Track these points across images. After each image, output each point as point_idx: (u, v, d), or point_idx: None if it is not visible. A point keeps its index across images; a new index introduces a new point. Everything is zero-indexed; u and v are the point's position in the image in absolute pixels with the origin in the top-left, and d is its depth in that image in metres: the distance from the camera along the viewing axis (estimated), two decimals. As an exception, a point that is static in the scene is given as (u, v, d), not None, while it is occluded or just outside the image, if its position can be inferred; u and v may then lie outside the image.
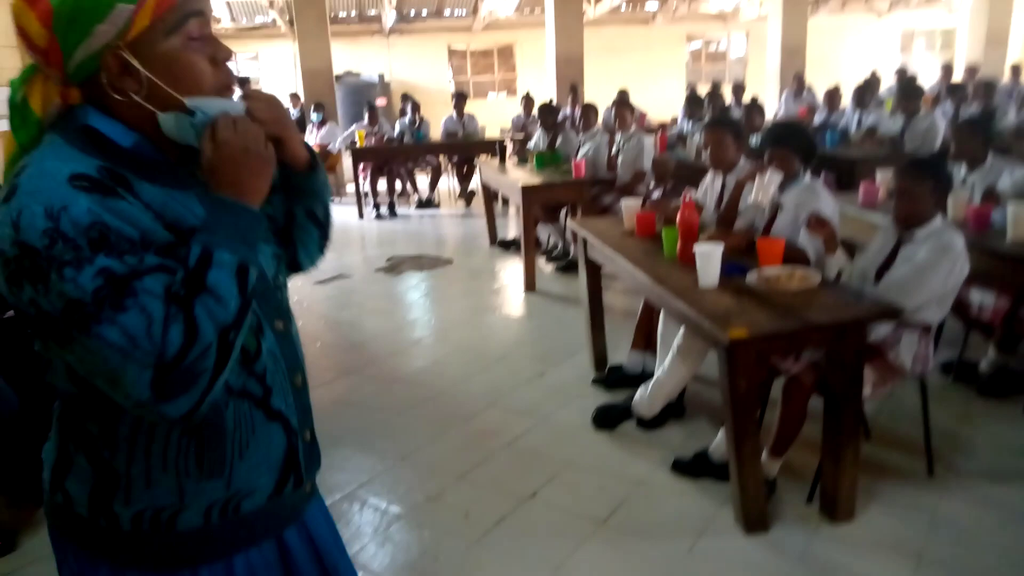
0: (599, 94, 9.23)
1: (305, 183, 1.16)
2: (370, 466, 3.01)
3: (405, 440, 3.21)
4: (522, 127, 9.31)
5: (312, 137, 9.52)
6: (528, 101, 9.63)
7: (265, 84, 14.38)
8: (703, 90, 9.78)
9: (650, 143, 5.73)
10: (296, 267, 1.29)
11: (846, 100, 7.73)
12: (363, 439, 3.25)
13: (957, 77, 9.69)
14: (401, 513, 2.68)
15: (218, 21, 13.19)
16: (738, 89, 9.26)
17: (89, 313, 0.85)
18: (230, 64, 1.03)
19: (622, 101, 6.58)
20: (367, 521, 2.64)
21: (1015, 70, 10.22)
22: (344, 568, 1.24)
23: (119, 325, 0.85)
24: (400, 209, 8.63)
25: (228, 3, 12.44)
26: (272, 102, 1.03)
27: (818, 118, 7.52)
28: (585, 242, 3.59)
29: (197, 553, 1.06)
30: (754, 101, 7.12)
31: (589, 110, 6.27)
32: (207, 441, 1.02)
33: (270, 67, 14.45)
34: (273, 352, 1.08)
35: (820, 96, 8.39)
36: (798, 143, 3.03)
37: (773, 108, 10.11)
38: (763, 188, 2.90)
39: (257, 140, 0.96)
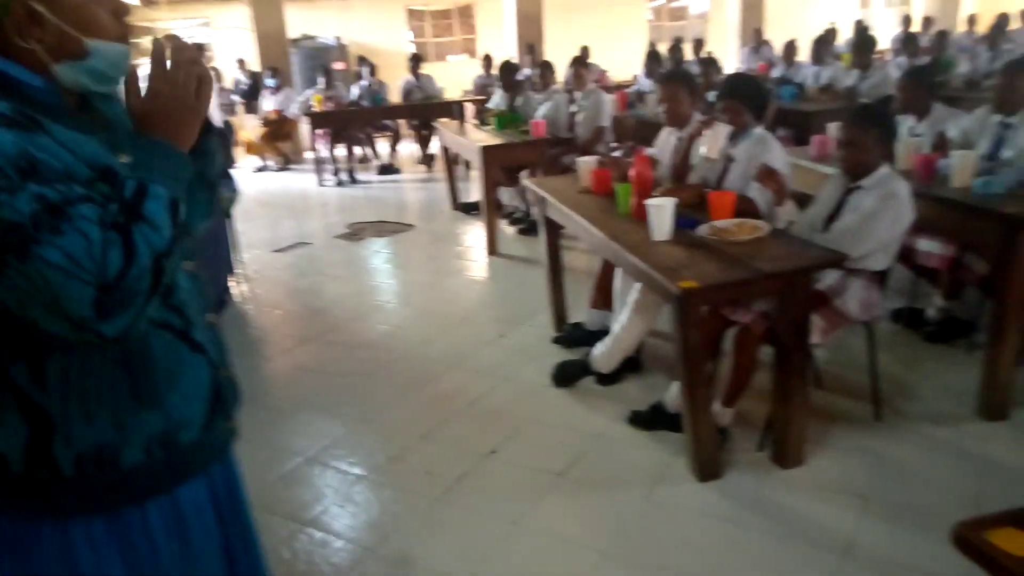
0: (560, 54, 9.14)
1: (197, 146, 1.16)
2: (332, 430, 3.02)
3: (367, 404, 3.22)
4: (483, 88, 9.20)
5: (268, 103, 9.33)
6: (488, 61, 9.52)
7: (219, 49, 14.01)
8: (665, 47, 9.74)
9: (609, 101, 5.71)
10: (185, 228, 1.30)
11: (804, 55, 7.76)
12: (325, 404, 3.25)
13: (916, 29, 9.77)
14: (363, 474, 2.70)
15: (167, -16, 12.78)
16: (699, 45, 9.24)
17: (28, 236, 0.88)
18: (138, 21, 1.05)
19: (580, 59, 6.54)
20: (329, 483, 2.65)
21: (970, 20, 10.34)
22: (247, 512, 1.34)
23: (59, 246, 0.89)
24: (360, 175, 8.52)
25: (177, -34, 12.05)
26: (192, 53, 1.06)
27: (776, 73, 7.54)
28: (544, 201, 3.59)
29: (142, 489, 1.10)
30: (710, 56, 7.10)
31: (546, 68, 6.21)
32: (137, 371, 1.07)
33: (223, 32, 14.06)
34: (189, 289, 1.15)
35: (779, 51, 8.40)
36: (749, 95, 3.04)
37: (733, 64, 10.12)
38: (712, 141, 2.92)
39: (189, 93, 1.02)
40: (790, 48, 7.71)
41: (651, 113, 6.05)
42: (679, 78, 3.49)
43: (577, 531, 2.32)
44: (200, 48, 1.10)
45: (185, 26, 13.87)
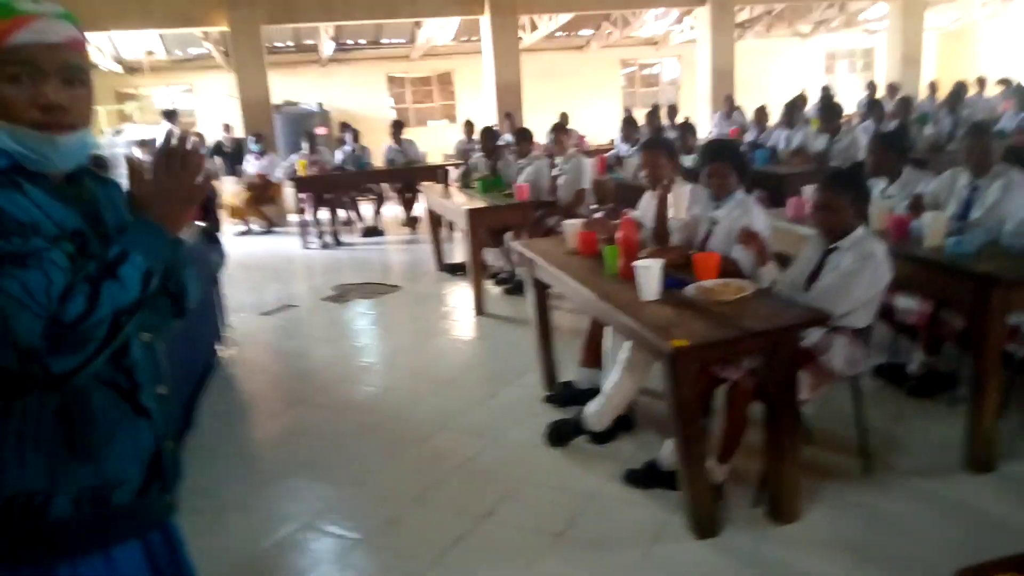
0: (538, 118, 9.42)
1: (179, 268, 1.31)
2: (325, 494, 3.00)
3: (358, 466, 3.21)
4: (465, 152, 9.40)
5: (252, 167, 9.44)
6: (470, 127, 9.74)
7: (201, 115, 14.20)
8: (640, 113, 10.05)
9: (588, 164, 5.87)
10: (148, 326, 1.32)
11: (774, 119, 8.05)
12: (316, 468, 3.24)
13: (880, 95, 10.18)
14: (359, 539, 2.68)
15: (152, 54, 13.00)
16: (672, 111, 9.54)
17: None
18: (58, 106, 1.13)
19: (560, 126, 6.74)
20: (326, 548, 2.63)
21: (931, 87, 10.79)
22: None
23: (19, 279, 1.00)
24: (345, 238, 8.60)
25: (161, 36, 12.27)
26: (198, 155, 1.18)
27: (748, 137, 7.81)
28: (532, 263, 3.66)
29: (71, 544, 1.13)
30: (687, 122, 7.35)
31: (523, 136, 6.40)
32: (76, 423, 1.12)
33: (206, 98, 14.27)
34: (142, 358, 1.22)
35: (750, 116, 8.71)
36: (733, 158, 3.17)
37: (706, 129, 10.44)
38: (677, 201, 3.05)
39: (188, 187, 1.15)
40: (761, 113, 8.00)
41: (630, 176, 6.23)
42: (659, 145, 3.63)
43: (576, 592, 2.32)
44: (192, 138, 1.19)
45: (168, 92, 14.07)
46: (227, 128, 10.70)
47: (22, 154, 1.11)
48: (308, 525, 2.78)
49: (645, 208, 3.72)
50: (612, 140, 9.27)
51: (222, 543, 2.68)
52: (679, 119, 8.99)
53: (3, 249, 1.00)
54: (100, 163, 5.98)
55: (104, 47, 12.27)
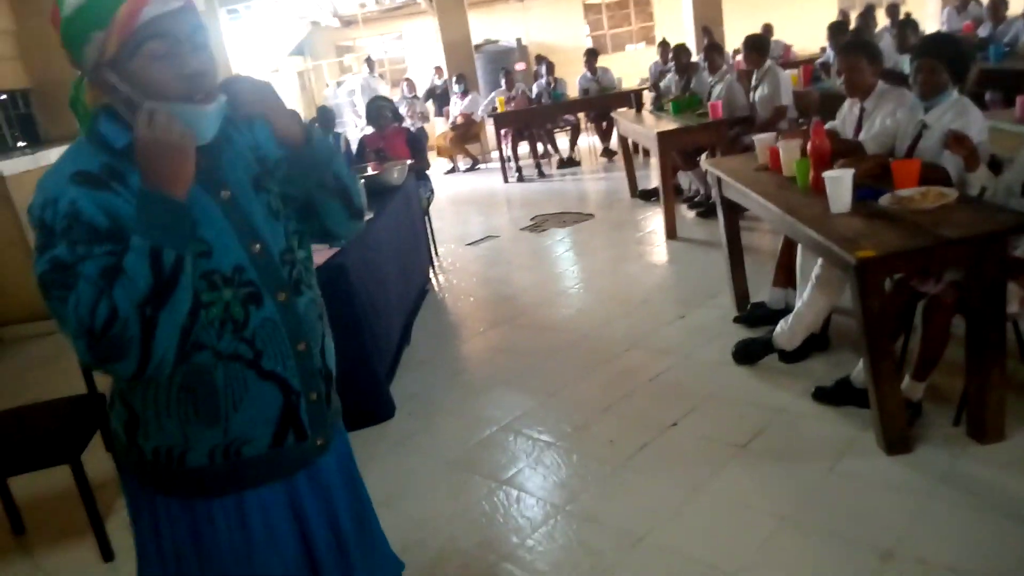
0: (741, 32, 8.90)
1: (306, 156, 1.24)
2: (522, 403, 3.27)
3: (553, 380, 3.45)
4: (660, 75, 9.19)
5: (456, 107, 9.91)
6: (665, 47, 9.47)
7: (410, 60, 14.99)
8: (856, 14, 9.17)
9: (787, 77, 5.54)
10: (332, 236, 1.39)
11: (1015, 8, 7.02)
12: (515, 380, 3.52)
13: None
14: (551, 441, 2.92)
15: (364, 6, 13.87)
16: (893, 9, 8.60)
17: (44, 289, 1.05)
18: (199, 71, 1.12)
19: (711, 44, 6.41)
20: (521, 448, 2.90)
21: None
22: (350, 521, 1.40)
23: (58, 304, 1.04)
24: (543, 170, 8.83)
25: (371, -13, 13.07)
26: (253, 85, 1.15)
27: (983, 32, 6.89)
28: (720, 181, 3.62)
29: (206, 487, 1.24)
30: (907, 18, 6.62)
31: (713, 51, 6.15)
32: (200, 396, 1.19)
33: (414, 44, 15.03)
34: (273, 320, 1.22)
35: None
36: (948, 55, 2.85)
37: (935, 27, 9.31)
38: (878, 108, 2.87)
39: (168, 130, 1.04)
40: (999, 4, 7.00)
41: (835, 86, 5.79)
42: (859, 47, 3.38)
43: (757, 499, 2.38)
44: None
45: (380, 42, 14.98)
46: (438, 71, 11.24)
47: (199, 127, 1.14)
48: (507, 428, 3.07)
49: (844, 117, 3.51)
50: (822, 48, 8.58)
51: (435, 440, 3.05)
52: (902, 17, 8.13)
53: (56, 262, 1.03)
54: (326, 115, 6.62)
55: (323, 4, 13.28)
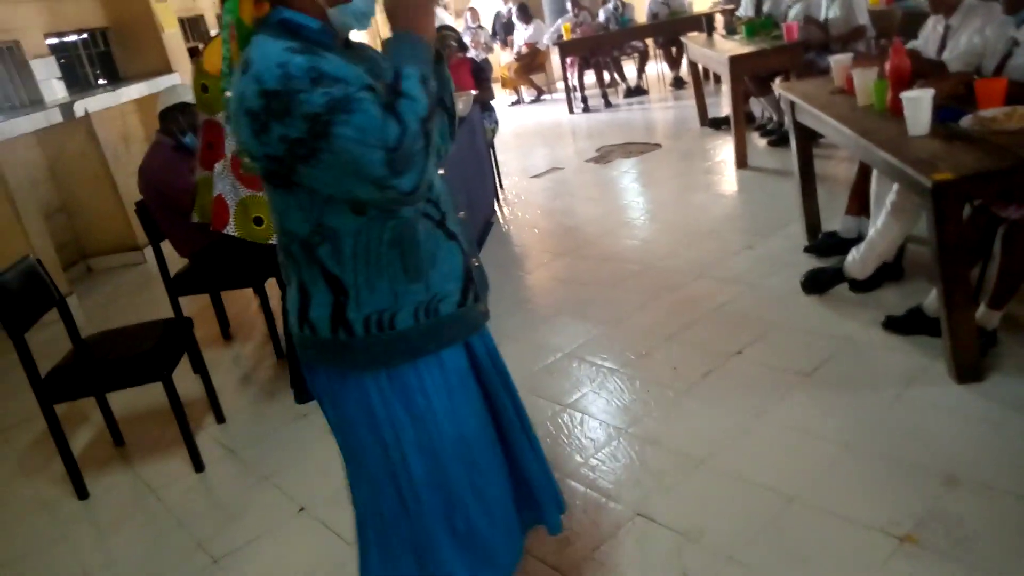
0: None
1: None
2: (585, 330, 3.32)
3: (616, 309, 3.47)
4: (732, -3, 8.80)
5: (520, 36, 9.73)
6: (739, -32, 9.03)
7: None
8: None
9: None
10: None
11: None
12: (578, 309, 3.56)
13: None
14: (615, 368, 2.96)
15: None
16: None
17: (326, 121, 1.13)
18: None
19: None
20: (585, 374, 2.96)
21: None
22: (508, 376, 1.59)
23: (351, 124, 1.13)
24: (610, 100, 8.66)
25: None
26: None
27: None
28: (793, 105, 3.51)
29: (413, 348, 1.36)
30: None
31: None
32: (406, 251, 1.31)
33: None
34: (445, 187, 1.40)
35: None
36: None
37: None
38: (963, 25, 2.70)
39: None
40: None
41: (921, 2, 5.46)
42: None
43: (821, 425, 2.39)
44: None
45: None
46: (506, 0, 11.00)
47: (363, 15, 1.32)
48: (571, 355, 3.13)
49: (927, 36, 3.33)
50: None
51: (499, 366, 3.13)
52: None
53: (333, 96, 1.14)
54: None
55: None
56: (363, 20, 1.34)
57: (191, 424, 2.84)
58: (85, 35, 6.49)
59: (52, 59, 5.85)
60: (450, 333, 1.40)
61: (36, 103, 5.54)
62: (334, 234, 1.28)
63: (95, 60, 6.64)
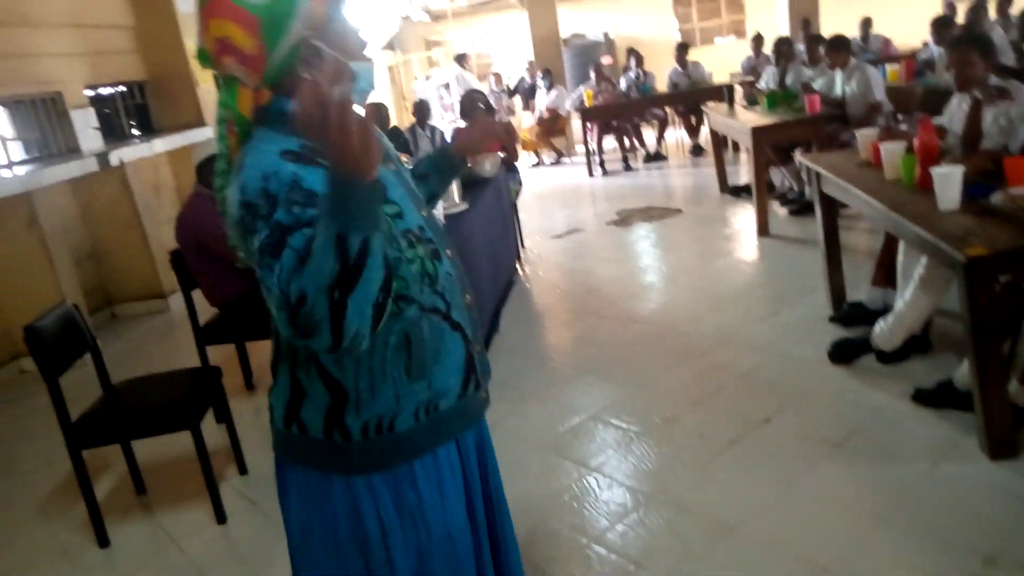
0: (838, 25, 8.65)
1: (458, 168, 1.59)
2: (610, 392, 3.32)
3: (641, 371, 3.47)
4: (752, 69, 9.02)
5: (542, 101, 9.96)
6: (758, 41, 9.28)
7: (497, 54, 15.13)
8: (964, 8, 8.76)
9: (876, 73, 5.37)
10: (436, 199, 1.65)
11: None
12: (603, 370, 3.56)
13: None
14: (640, 432, 2.95)
15: (453, 1, 14.07)
16: (1004, 1, 8.17)
17: (259, 258, 1.06)
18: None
19: (811, 36, 6.24)
20: (610, 438, 2.95)
21: None
22: (496, 475, 1.50)
23: (267, 270, 1.05)
24: (629, 164, 8.80)
25: (461, -18, 13.24)
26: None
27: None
28: (819, 176, 3.57)
29: (412, 448, 1.28)
30: (1024, 13, 6.31)
31: (814, 43, 5.99)
32: (413, 352, 1.24)
33: (501, 38, 15.15)
34: (450, 274, 1.31)
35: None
36: None
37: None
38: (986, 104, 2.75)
39: (350, 114, 0.99)
40: None
41: (941, 81, 5.59)
42: (971, 40, 3.26)
43: (852, 497, 2.36)
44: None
45: (468, 36, 15.18)
46: (530, 65, 11.29)
47: (364, 92, 1.26)
48: (595, 417, 3.12)
49: (953, 113, 3.40)
50: (924, 43, 8.24)
51: (524, 426, 3.13)
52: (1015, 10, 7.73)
53: (280, 223, 1.05)
54: (422, 110, 6.78)
55: (414, -1, 13.54)
56: (363, 96, 1.28)
57: (215, 475, 2.84)
58: (123, 88, 6.70)
59: (91, 110, 6.04)
60: (449, 428, 1.32)
61: (73, 152, 5.70)
62: None
63: (131, 111, 6.84)
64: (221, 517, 2.77)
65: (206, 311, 3.71)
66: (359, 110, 1.04)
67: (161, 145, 6.19)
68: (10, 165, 5.31)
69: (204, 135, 6.53)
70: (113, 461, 3.28)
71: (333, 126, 0.96)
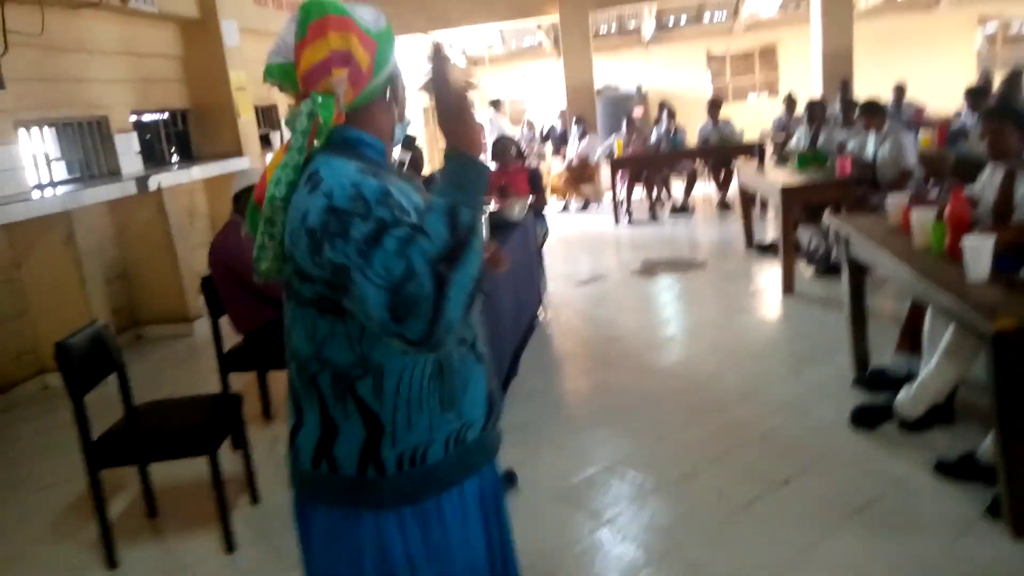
0: (871, 89, 8.71)
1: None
2: (628, 444, 3.29)
3: (660, 424, 3.45)
4: (783, 128, 9.07)
5: (573, 148, 10.08)
6: (791, 101, 9.36)
7: (530, 101, 15.36)
8: (1000, 78, 8.79)
9: (911, 138, 5.39)
10: None
11: None
12: (621, 421, 3.54)
13: None
14: (656, 486, 2.92)
15: (491, 48, 14.37)
16: (1040, 74, 8.18)
17: (360, 254, 1.07)
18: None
19: (847, 100, 6.29)
20: (625, 491, 2.92)
21: None
22: (506, 510, 1.48)
23: (365, 259, 1.06)
24: (656, 215, 8.84)
25: (501, 31, 13.51)
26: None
27: None
28: (847, 239, 3.57)
29: (440, 482, 1.29)
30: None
31: (850, 106, 6.03)
32: (446, 381, 1.26)
33: (536, 85, 15.42)
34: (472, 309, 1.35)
35: None
36: None
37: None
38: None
39: (457, 104, 1.14)
40: None
41: (974, 150, 5.58)
42: (1006, 112, 3.27)
43: (872, 567, 2.31)
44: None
45: (504, 81, 15.45)
46: (563, 114, 11.47)
47: (396, 139, 1.36)
48: (611, 469, 3.09)
49: (985, 183, 3.39)
50: (957, 110, 8.25)
51: (539, 473, 3.11)
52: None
53: (382, 219, 1.09)
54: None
55: (454, 44, 13.85)
56: (403, 134, 1.40)
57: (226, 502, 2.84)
58: (167, 114, 6.89)
59: (134, 135, 6.21)
60: (474, 460, 1.34)
61: (114, 174, 5.85)
62: (378, 369, 1.22)
63: (172, 138, 7.02)
64: (230, 546, 2.76)
65: (230, 338, 3.76)
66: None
67: (198, 172, 6.33)
68: (53, 184, 5.46)
69: (242, 164, 6.68)
70: (128, 482, 3.31)
71: (463, 110, 1.13)
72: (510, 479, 2.95)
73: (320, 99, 1.20)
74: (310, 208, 1.12)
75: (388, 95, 1.31)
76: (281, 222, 1.20)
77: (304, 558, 1.35)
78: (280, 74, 1.25)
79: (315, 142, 1.21)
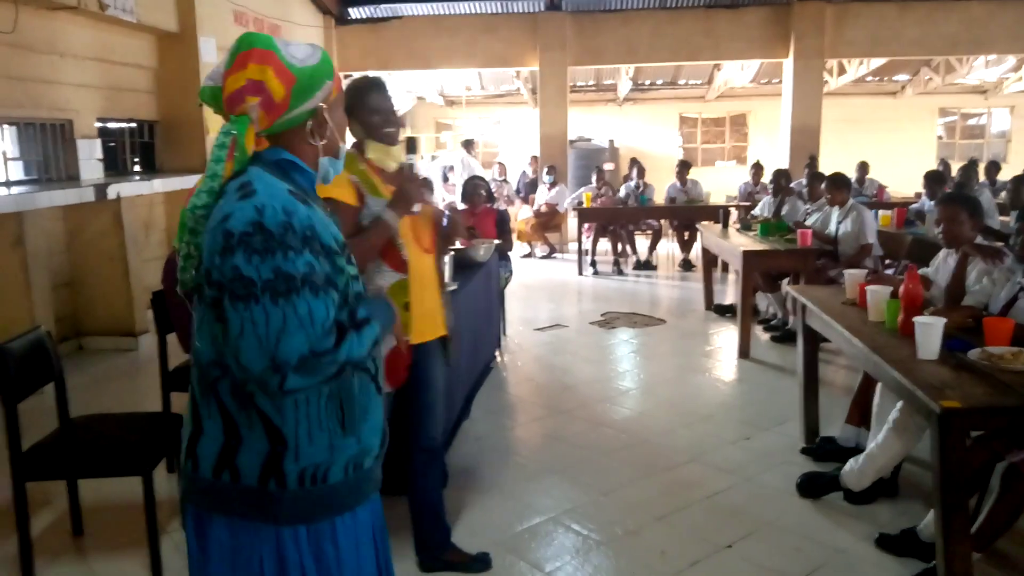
0: (835, 165, 9.01)
1: None
2: (574, 496, 3.25)
3: (608, 478, 3.42)
4: (748, 195, 9.29)
5: (543, 196, 10.18)
6: (757, 169, 9.61)
7: (504, 146, 15.54)
8: (957, 167, 9.17)
9: (871, 216, 5.56)
10: None
11: None
12: (569, 472, 3.50)
13: None
14: (600, 541, 2.88)
15: (469, 90, 14.54)
16: (992, 167, 8.57)
17: (293, 287, 1.19)
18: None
19: (813, 173, 6.51)
20: (569, 544, 2.87)
21: None
22: (387, 540, 1.56)
23: (308, 304, 1.21)
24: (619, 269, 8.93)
25: (480, 74, 13.70)
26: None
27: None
28: (804, 309, 3.63)
29: (338, 504, 1.36)
30: (1020, 178, 6.52)
31: (816, 180, 6.21)
32: (344, 404, 1.35)
33: (510, 130, 15.60)
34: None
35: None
36: None
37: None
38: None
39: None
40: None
41: (929, 233, 5.78)
42: (960, 199, 3.40)
43: (808, 639, 2.30)
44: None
45: (478, 124, 15.61)
46: (534, 160, 11.59)
47: (325, 175, 1.44)
48: (556, 520, 3.04)
49: (939, 266, 3.50)
50: (917, 194, 8.56)
51: (483, 519, 3.05)
52: (1006, 175, 8.08)
53: (313, 271, 1.22)
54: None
55: (432, 83, 13.99)
56: (329, 177, 1.45)
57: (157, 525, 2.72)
58: (134, 124, 6.79)
59: (98, 141, 6.09)
60: (368, 488, 1.42)
61: (73, 179, 5.72)
62: None
63: (137, 148, 6.91)
64: (157, 572, 2.64)
65: (177, 356, 3.64)
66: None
67: (160, 185, 6.22)
68: (8, 184, 5.31)
69: (207, 181, 6.58)
70: (54, 497, 3.15)
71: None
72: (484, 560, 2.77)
73: (235, 119, 1.30)
74: (235, 212, 1.21)
75: (309, 127, 1.38)
76: (203, 231, 1.27)
77: (196, 571, 1.36)
78: (210, 96, 1.34)
79: (235, 155, 1.29)
